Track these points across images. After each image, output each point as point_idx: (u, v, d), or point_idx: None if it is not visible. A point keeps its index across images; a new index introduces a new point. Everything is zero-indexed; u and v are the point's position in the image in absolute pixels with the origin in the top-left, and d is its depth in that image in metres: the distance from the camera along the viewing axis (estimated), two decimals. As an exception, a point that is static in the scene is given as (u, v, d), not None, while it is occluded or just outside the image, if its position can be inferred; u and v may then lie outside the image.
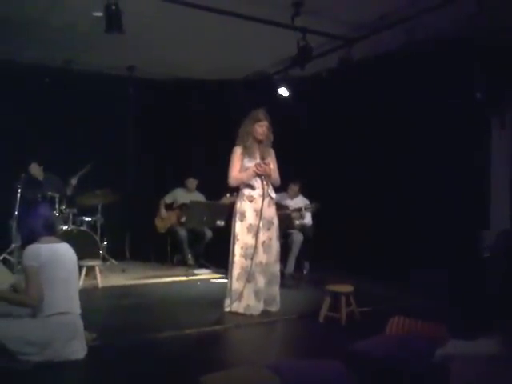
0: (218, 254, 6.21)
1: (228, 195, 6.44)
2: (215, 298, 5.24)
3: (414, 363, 2.82)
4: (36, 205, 5.46)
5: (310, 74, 6.66)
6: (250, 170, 4.87)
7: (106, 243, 7.19)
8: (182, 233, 7.30)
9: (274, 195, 5.03)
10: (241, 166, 4.94)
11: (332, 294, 4.59)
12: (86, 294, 4.84)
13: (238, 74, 7.78)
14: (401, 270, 5.91)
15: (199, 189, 7.76)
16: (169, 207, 7.69)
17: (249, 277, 4.77)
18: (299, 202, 7.10)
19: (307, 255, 7.07)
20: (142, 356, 3.67)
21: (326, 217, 6.95)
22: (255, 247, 4.78)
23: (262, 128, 4.90)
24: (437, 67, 5.90)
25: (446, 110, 6.02)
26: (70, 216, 6.62)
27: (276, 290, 4.99)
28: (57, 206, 6.46)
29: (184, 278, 6.71)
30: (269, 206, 4.93)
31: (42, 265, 3.31)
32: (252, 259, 4.77)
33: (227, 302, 4.89)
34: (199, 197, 7.61)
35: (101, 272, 6.10)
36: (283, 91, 7.17)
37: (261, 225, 4.82)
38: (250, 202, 4.87)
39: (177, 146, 8.33)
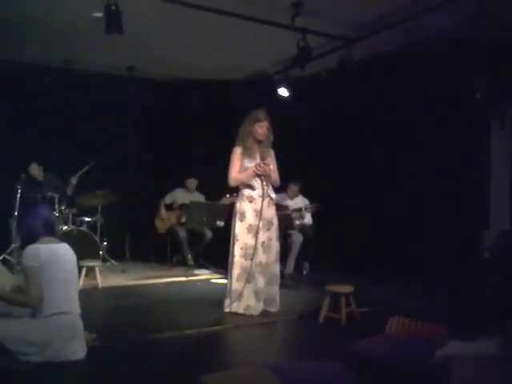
0: (217, 254, 6.21)
1: (228, 195, 6.42)
2: (215, 299, 5.24)
3: (413, 364, 2.82)
4: (36, 205, 5.43)
5: (309, 75, 6.65)
6: (250, 170, 4.86)
7: (105, 243, 7.19)
8: (182, 233, 7.30)
9: (273, 195, 5.03)
10: (241, 166, 4.93)
11: (332, 295, 4.59)
12: (86, 295, 4.85)
13: (238, 74, 7.78)
14: (401, 271, 5.91)
15: (199, 189, 7.76)
16: (169, 207, 7.69)
17: (249, 277, 4.77)
18: (299, 202, 7.09)
19: (307, 255, 7.07)
20: (142, 356, 3.66)
21: (326, 217, 6.95)
22: (255, 247, 4.78)
23: (262, 128, 4.90)
24: (437, 67, 5.90)
25: (446, 111, 6.02)
26: (70, 216, 6.62)
27: (276, 290, 4.98)
28: (57, 206, 6.48)
29: (184, 279, 6.71)
30: (268, 206, 4.92)
31: (42, 265, 3.31)
32: (252, 259, 4.76)
33: (227, 302, 4.88)
34: (199, 197, 7.61)
35: (101, 272, 6.10)
36: (283, 91, 7.17)
37: (260, 225, 4.81)
38: (250, 202, 4.87)
39: (177, 146, 8.32)
